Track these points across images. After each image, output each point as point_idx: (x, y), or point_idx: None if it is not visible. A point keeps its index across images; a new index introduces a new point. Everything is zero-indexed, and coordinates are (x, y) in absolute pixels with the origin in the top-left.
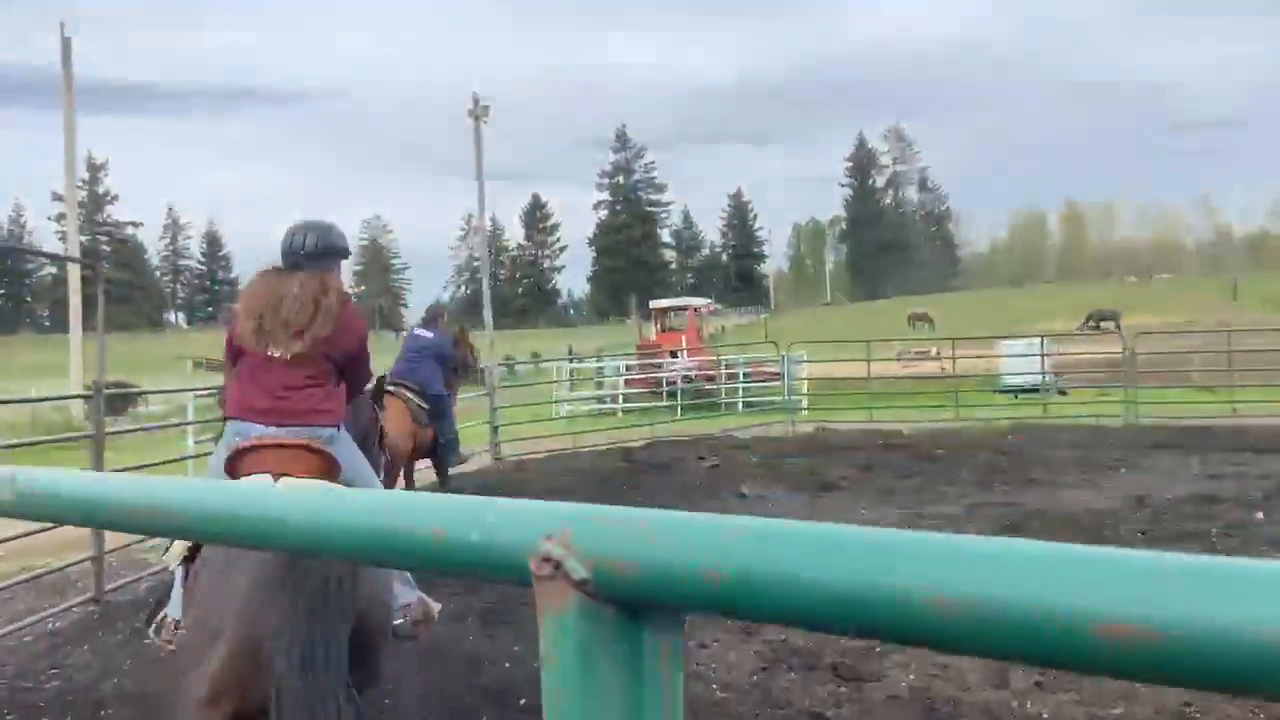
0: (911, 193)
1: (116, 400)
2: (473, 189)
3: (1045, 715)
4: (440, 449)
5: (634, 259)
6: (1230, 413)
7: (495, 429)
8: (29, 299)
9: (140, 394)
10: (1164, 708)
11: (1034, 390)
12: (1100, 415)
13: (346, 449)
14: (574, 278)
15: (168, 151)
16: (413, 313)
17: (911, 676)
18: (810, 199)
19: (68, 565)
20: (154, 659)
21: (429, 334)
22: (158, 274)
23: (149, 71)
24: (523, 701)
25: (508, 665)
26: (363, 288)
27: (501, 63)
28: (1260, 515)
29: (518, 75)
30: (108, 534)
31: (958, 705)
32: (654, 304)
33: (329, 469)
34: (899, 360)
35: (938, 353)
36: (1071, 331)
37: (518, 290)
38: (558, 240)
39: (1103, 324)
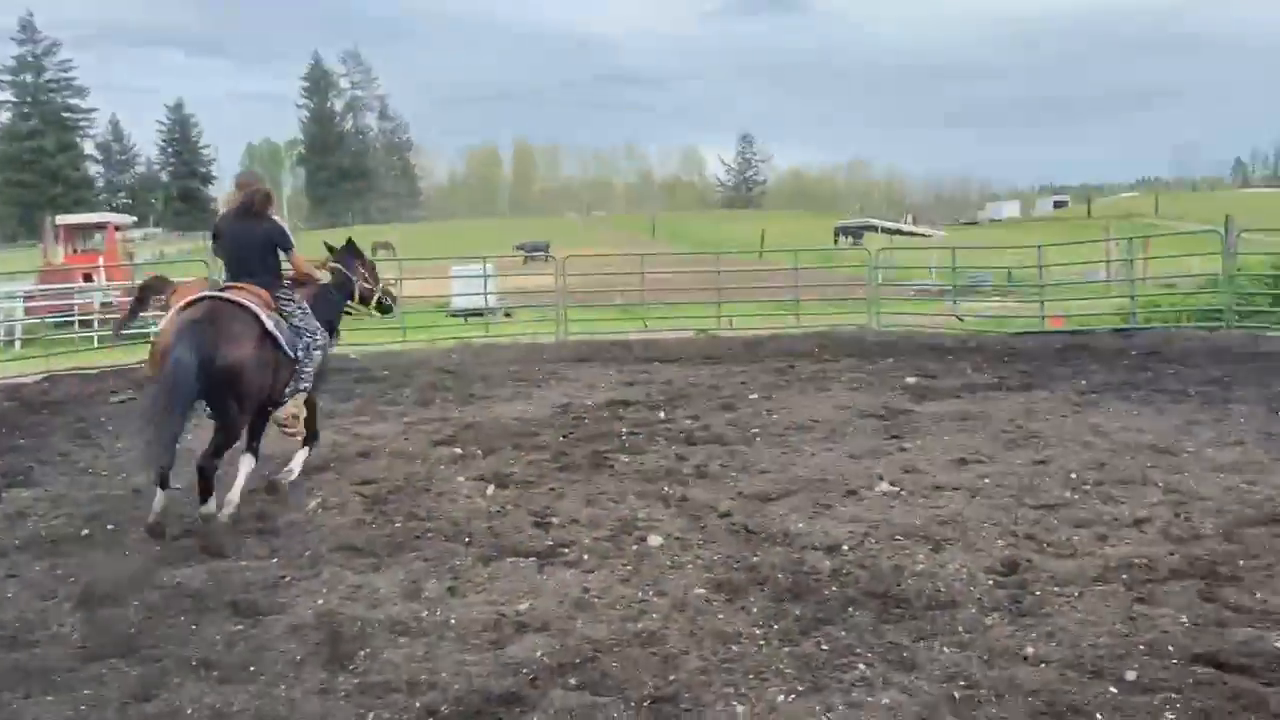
0: (371, 120)
1: None
2: None
3: (453, 620)
4: None
5: (48, 172)
6: (643, 328)
7: None
8: None
9: None
10: (566, 598)
11: (480, 314)
12: (536, 334)
13: None
14: None
15: None
16: None
17: (320, 602)
18: (261, 118)
19: None
20: None
21: None
22: None
23: None
24: None
25: None
26: None
27: None
28: (661, 414)
29: None
30: None
31: (364, 625)
32: (61, 220)
33: None
34: None
35: (395, 280)
36: (519, 260)
37: None
38: None
39: (533, 254)
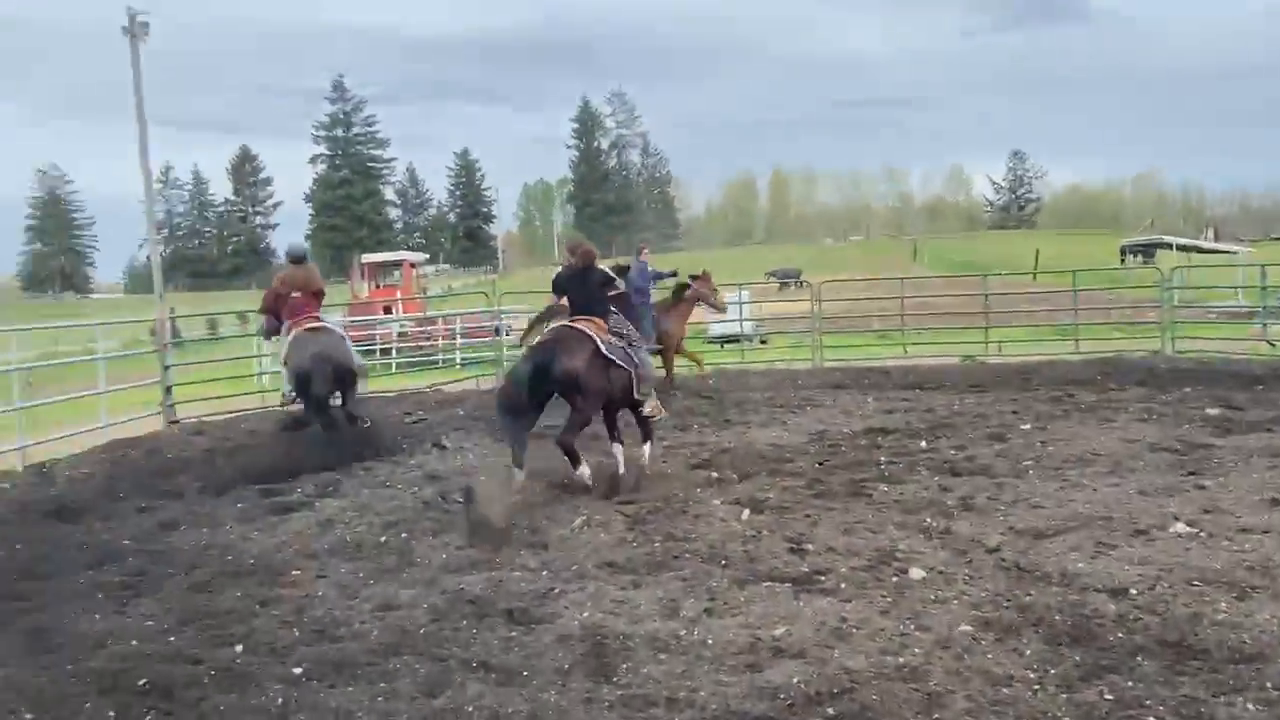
0: (634, 155)
1: None
2: (164, 136)
3: (710, 640)
4: None
5: (355, 217)
6: (902, 354)
7: (168, 390)
8: None
9: None
10: (824, 626)
11: (736, 339)
12: (791, 360)
13: None
14: (292, 236)
15: None
16: (99, 271)
17: (585, 614)
18: (538, 160)
19: None
20: None
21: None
22: None
23: None
24: (142, 683)
25: (135, 643)
26: (38, 246)
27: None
28: (923, 444)
29: (220, 16)
30: None
31: (626, 639)
32: (366, 259)
33: None
34: None
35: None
36: (774, 286)
37: (227, 249)
38: (271, 196)
39: (784, 280)
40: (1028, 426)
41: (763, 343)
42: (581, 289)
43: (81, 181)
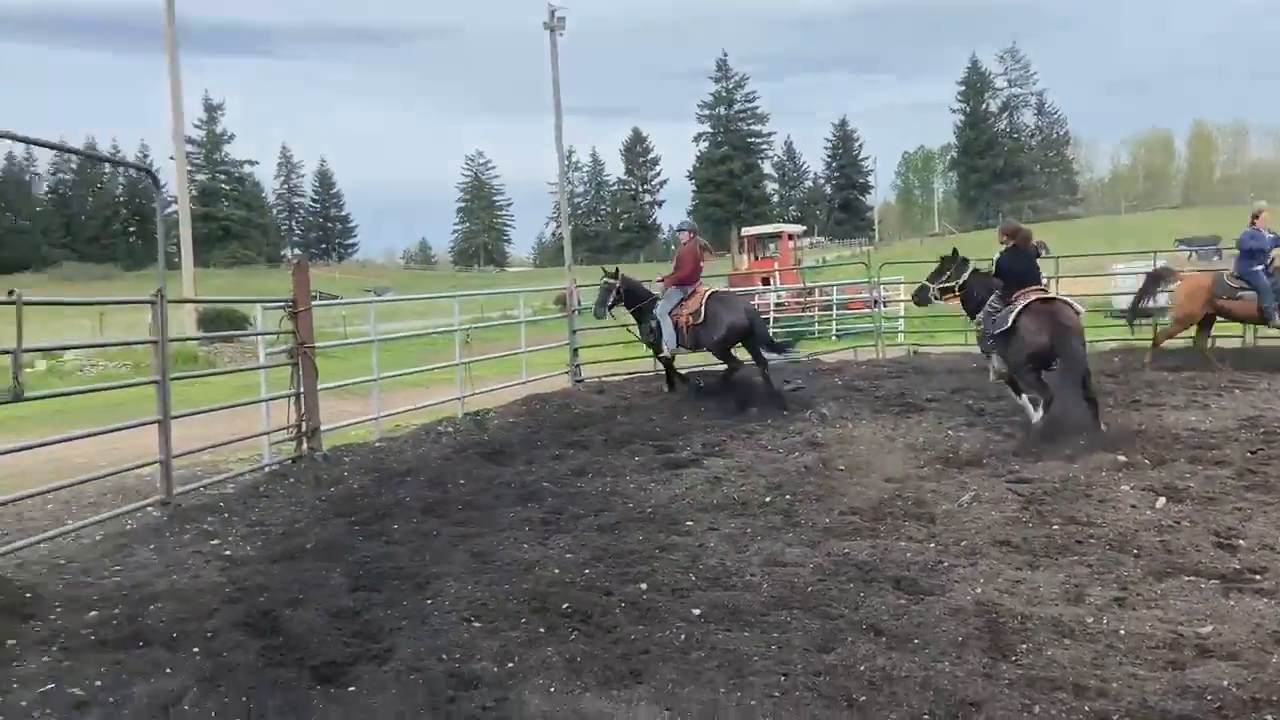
0: (1028, 117)
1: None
2: (574, 123)
3: (1122, 631)
4: None
5: (734, 192)
6: None
7: (575, 351)
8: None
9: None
10: (1260, 628)
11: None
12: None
13: None
14: (676, 212)
15: (281, 92)
16: (515, 248)
17: (978, 590)
18: (917, 127)
19: (136, 467)
20: (215, 557)
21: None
22: (274, 212)
23: (264, 12)
24: (565, 606)
25: (557, 571)
26: (466, 225)
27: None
28: None
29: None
30: (174, 439)
31: (1025, 620)
32: (745, 231)
33: None
34: None
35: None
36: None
37: (619, 226)
38: (658, 174)
39: (1200, 251)
40: None
41: None
42: (1028, 264)
43: (500, 168)
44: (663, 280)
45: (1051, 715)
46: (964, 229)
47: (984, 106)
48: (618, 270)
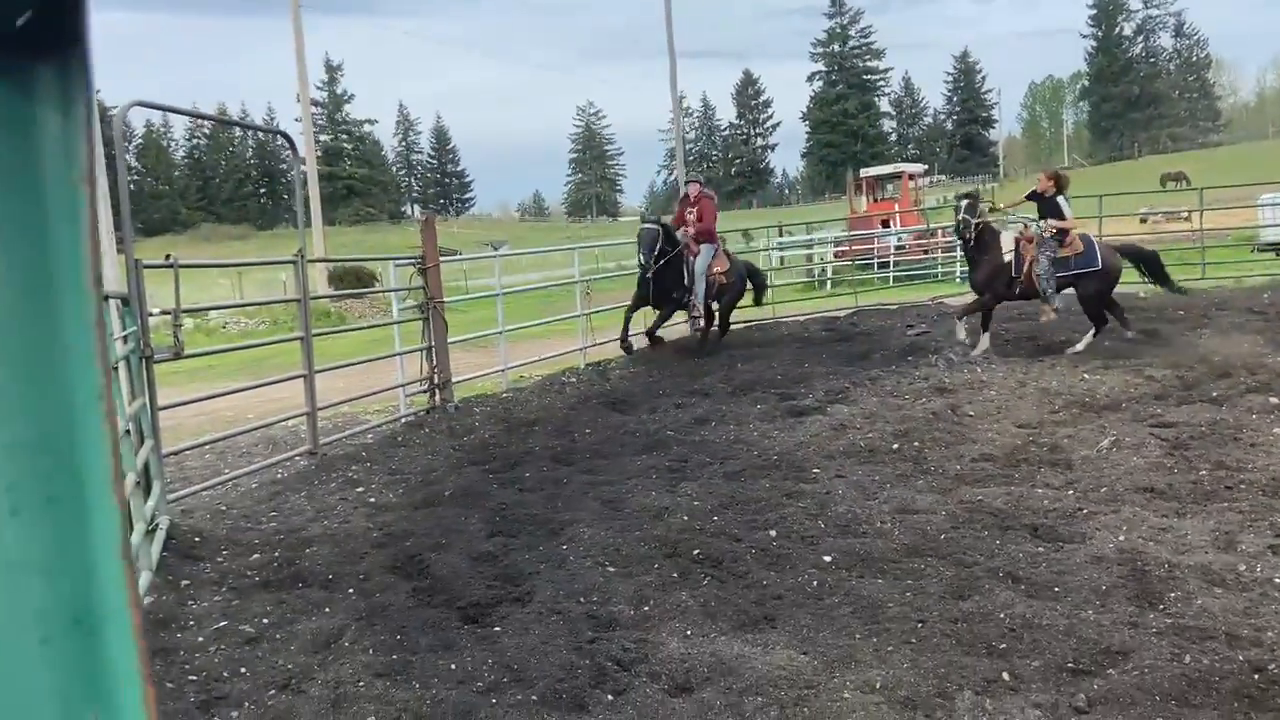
0: (1165, 39)
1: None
2: (685, 67)
3: (1278, 580)
4: None
5: (850, 132)
6: None
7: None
8: (285, 196)
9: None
10: None
11: None
12: None
13: None
14: (789, 156)
15: (393, 52)
16: (627, 198)
17: (1121, 538)
18: (1045, 56)
19: (286, 419)
20: (361, 504)
21: None
22: (394, 169)
23: None
24: (696, 553)
25: (686, 518)
26: (579, 176)
27: None
28: None
29: None
30: (318, 392)
31: (1172, 568)
32: (864, 173)
33: None
34: (1143, 221)
35: (1189, 214)
36: None
37: (730, 171)
38: (770, 117)
39: None
40: None
41: None
42: (1051, 208)
43: (611, 117)
44: (686, 230)
45: (1203, 665)
46: (1095, 161)
47: (1117, 30)
48: (659, 218)
